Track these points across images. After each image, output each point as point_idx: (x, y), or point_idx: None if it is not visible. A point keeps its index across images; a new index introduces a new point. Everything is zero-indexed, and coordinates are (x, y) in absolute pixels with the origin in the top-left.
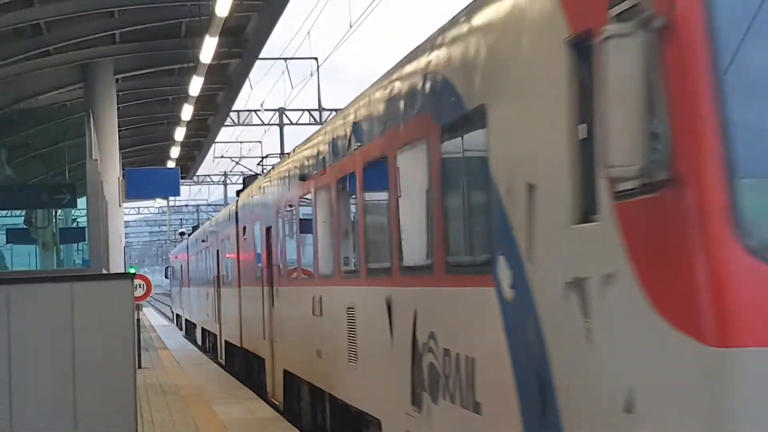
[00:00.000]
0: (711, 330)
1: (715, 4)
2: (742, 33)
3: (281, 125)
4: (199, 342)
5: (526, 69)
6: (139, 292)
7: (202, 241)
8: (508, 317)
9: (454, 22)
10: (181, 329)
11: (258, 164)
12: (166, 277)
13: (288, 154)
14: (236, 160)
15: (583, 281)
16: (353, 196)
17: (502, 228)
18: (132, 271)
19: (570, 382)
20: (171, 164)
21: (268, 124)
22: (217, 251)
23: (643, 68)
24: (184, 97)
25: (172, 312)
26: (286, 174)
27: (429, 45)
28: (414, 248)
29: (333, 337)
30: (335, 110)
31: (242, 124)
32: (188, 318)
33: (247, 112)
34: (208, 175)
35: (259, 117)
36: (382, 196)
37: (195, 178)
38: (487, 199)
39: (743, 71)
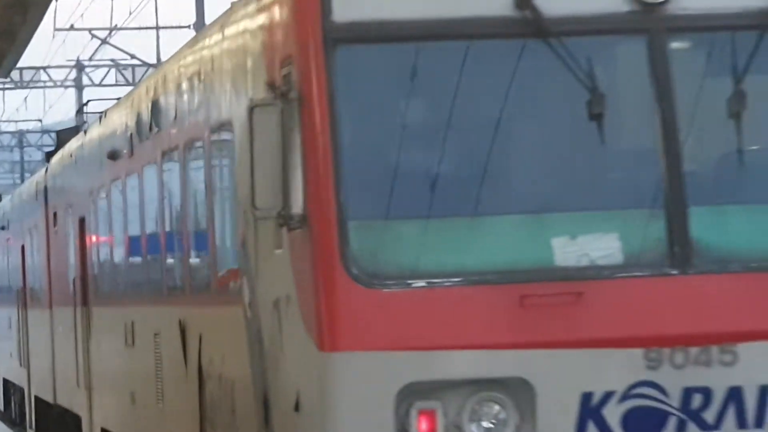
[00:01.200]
0: (324, 338)
1: (336, 85)
2: (357, 108)
3: (79, 87)
4: (0, 405)
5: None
6: None
7: (1, 228)
8: (249, 337)
9: (223, 24)
10: None
11: (78, 112)
12: None
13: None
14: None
15: (278, 301)
16: (157, 191)
17: (242, 247)
18: None
19: (277, 391)
20: None
21: (62, 85)
22: (23, 248)
23: (282, 131)
24: None
25: None
26: (98, 143)
27: (201, 43)
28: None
29: (144, 373)
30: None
31: (24, 85)
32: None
33: (34, 70)
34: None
35: (48, 74)
36: (177, 196)
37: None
38: (235, 219)
39: (356, 138)
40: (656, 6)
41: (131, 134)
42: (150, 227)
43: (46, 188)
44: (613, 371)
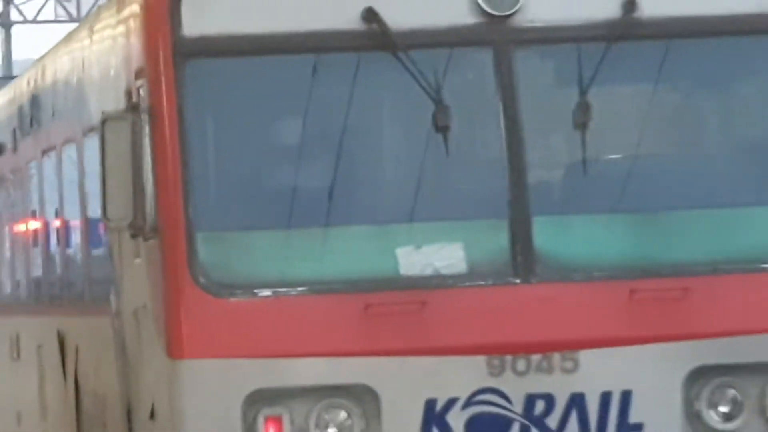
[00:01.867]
0: (172, 346)
1: (185, 98)
2: (206, 121)
3: (5, 24)
4: None
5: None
6: None
7: (19, 130)
8: (116, 347)
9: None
10: None
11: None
12: None
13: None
14: None
15: (137, 310)
16: (37, 192)
17: (110, 256)
18: None
19: (138, 400)
20: None
21: None
22: None
23: (134, 143)
24: None
25: None
26: None
27: (74, 42)
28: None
29: (29, 390)
30: None
31: None
32: None
33: None
34: None
35: None
36: (55, 199)
37: None
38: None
39: (204, 151)
40: (502, 19)
41: (14, 128)
42: (32, 230)
43: None
44: (456, 378)
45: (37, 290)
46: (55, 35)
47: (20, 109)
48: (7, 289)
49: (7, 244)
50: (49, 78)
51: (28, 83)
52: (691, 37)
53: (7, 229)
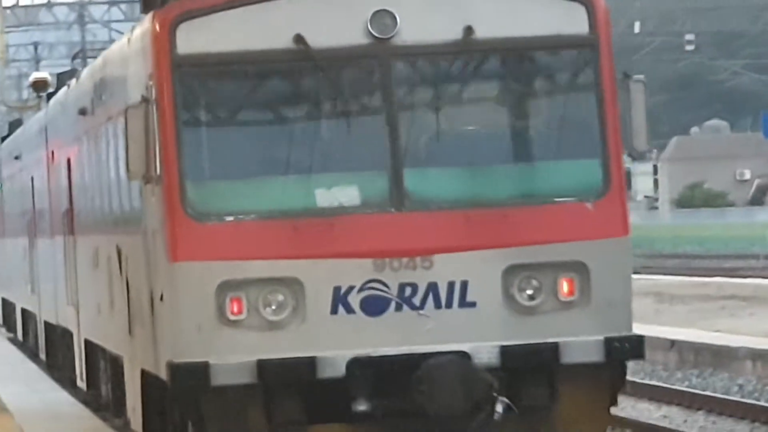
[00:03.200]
0: (171, 254)
1: (177, 93)
2: (191, 108)
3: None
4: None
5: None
6: None
7: (15, 157)
8: (144, 256)
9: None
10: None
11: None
12: None
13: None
14: None
15: (154, 231)
16: (104, 149)
17: (140, 196)
18: None
19: (155, 290)
20: None
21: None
22: (32, 180)
23: (146, 124)
24: None
25: None
26: (74, 98)
27: (94, 73)
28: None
29: (103, 289)
30: None
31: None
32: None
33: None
34: None
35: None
36: (113, 157)
37: None
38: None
39: (190, 128)
40: (384, 40)
41: (91, 98)
42: (103, 177)
43: (46, 128)
44: (354, 273)
45: (104, 218)
46: None
47: (94, 84)
48: (90, 217)
49: (87, 184)
50: (109, 66)
51: (99, 66)
52: (509, 51)
53: (87, 173)
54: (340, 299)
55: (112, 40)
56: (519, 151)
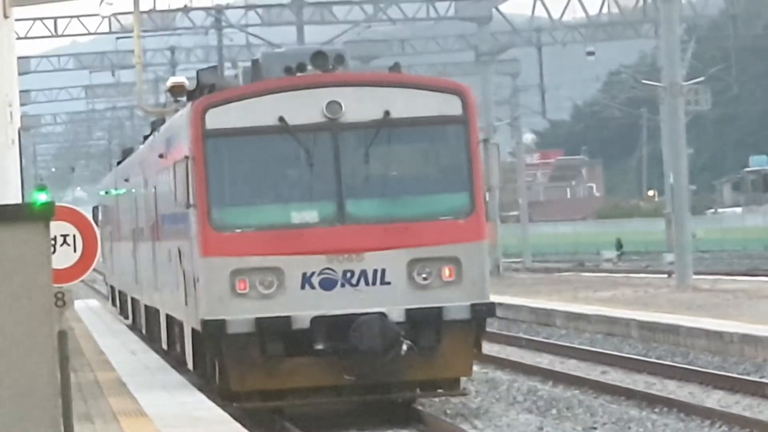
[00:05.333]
0: (201, 251)
1: (206, 152)
2: (216, 163)
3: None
4: (165, 344)
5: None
6: (66, 258)
7: (125, 180)
8: (185, 252)
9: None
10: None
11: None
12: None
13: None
14: None
15: (192, 237)
16: (168, 186)
17: (187, 216)
18: (41, 197)
19: (191, 275)
20: None
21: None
22: (135, 199)
23: (187, 172)
24: None
25: (112, 291)
26: (159, 142)
27: (164, 135)
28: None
29: (173, 277)
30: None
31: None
32: (148, 302)
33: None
34: None
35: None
36: (171, 191)
37: None
38: (172, 207)
39: (214, 175)
40: (334, 119)
41: (164, 148)
42: (171, 201)
43: (142, 161)
44: (314, 264)
45: (172, 229)
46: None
47: (165, 139)
48: (165, 228)
49: (163, 206)
50: (171, 129)
51: (167, 127)
52: (412, 125)
53: (163, 198)
54: (306, 280)
55: (249, 45)
56: (417, 187)
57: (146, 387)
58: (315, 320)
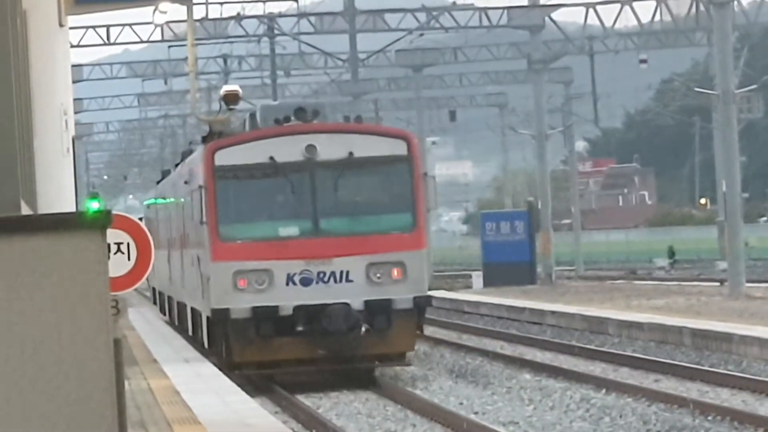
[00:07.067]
0: (212, 257)
1: (216, 184)
2: (223, 191)
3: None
4: (191, 332)
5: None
6: (120, 266)
7: (163, 198)
8: (200, 259)
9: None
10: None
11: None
12: None
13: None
14: None
15: (205, 246)
16: (186, 209)
17: (201, 228)
18: (93, 205)
19: (205, 277)
20: None
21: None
22: (170, 215)
23: (201, 199)
24: None
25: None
26: (183, 171)
27: (187, 168)
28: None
29: (194, 276)
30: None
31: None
32: (179, 299)
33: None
34: None
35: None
36: (189, 214)
37: None
38: (192, 224)
39: (222, 201)
40: (312, 158)
41: (188, 176)
42: (190, 221)
43: (174, 184)
44: (295, 266)
45: (194, 240)
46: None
47: (189, 170)
48: (189, 239)
49: (187, 222)
50: (192, 164)
51: (189, 161)
52: (370, 162)
53: (188, 216)
54: (289, 278)
55: (301, 53)
56: (373, 209)
57: (200, 394)
58: (296, 308)
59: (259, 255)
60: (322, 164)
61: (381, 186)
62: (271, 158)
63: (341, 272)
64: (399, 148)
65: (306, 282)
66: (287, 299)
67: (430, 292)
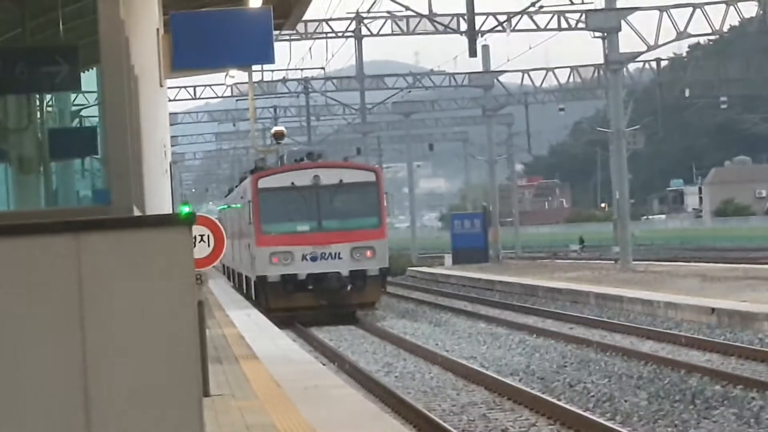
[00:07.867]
0: (256, 243)
1: (259, 199)
2: (264, 203)
3: (358, 37)
4: (245, 290)
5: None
6: (203, 250)
7: (228, 206)
8: (250, 245)
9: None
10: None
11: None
12: None
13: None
14: None
15: (252, 237)
16: (241, 214)
17: (249, 226)
18: (185, 210)
19: (251, 258)
20: (254, 2)
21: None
22: (235, 216)
23: (249, 209)
24: None
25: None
26: (240, 189)
27: (242, 188)
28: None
29: (247, 254)
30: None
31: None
32: (238, 270)
33: (317, 22)
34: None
35: (330, 26)
36: (245, 218)
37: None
38: (245, 223)
39: (264, 209)
40: (317, 182)
41: (243, 192)
42: (244, 221)
43: (236, 195)
44: (307, 250)
45: (246, 233)
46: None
47: (243, 188)
48: (244, 232)
49: (243, 220)
50: (244, 185)
51: (243, 184)
52: (355, 186)
53: (243, 217)
54: (304, 257)
55: (327, 104)
56: (354, 214)
57: (257, 338)
58: (308, 275)
59: (285, 242)
60: (323, 187)
61: (359, 200)
62: (292, 183)
63: (335, 253)
64: (370, 177)
65: (314, 258)
66: (302, 269)
67: (412, 269)
